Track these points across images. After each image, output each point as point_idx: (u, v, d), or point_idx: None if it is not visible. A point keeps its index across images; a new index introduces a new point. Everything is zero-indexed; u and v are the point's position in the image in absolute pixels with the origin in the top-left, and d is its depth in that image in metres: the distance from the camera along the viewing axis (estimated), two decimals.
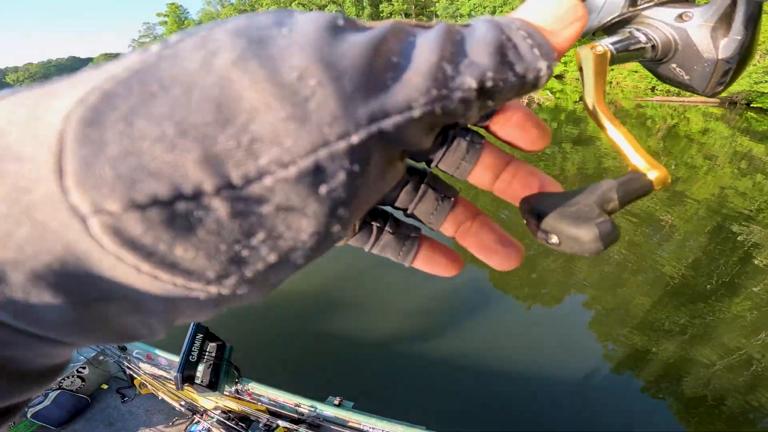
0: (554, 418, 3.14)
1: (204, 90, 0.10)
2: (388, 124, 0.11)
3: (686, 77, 0.26)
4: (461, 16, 27.32)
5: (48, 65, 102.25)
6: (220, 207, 0.10)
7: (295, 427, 2.71)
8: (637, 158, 0.20)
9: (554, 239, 0.17)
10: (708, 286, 4.35)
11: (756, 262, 4.70)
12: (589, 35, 0.27)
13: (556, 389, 3.29)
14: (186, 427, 2.93)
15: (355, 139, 0.10)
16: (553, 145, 9.80)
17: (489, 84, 0.12)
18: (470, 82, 0.12)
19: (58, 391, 2.98)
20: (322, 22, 0.11)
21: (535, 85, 0.14)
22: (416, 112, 0.11)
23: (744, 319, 3.88)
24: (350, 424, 2.68)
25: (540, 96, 14.57)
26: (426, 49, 0.12)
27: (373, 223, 0.19)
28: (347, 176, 0.10)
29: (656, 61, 0.27)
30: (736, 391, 3.20)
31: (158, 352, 3.25)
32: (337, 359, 3.88)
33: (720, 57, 0.25)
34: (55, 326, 0.10)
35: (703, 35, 0.25)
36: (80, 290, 0.10)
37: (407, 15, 49.44)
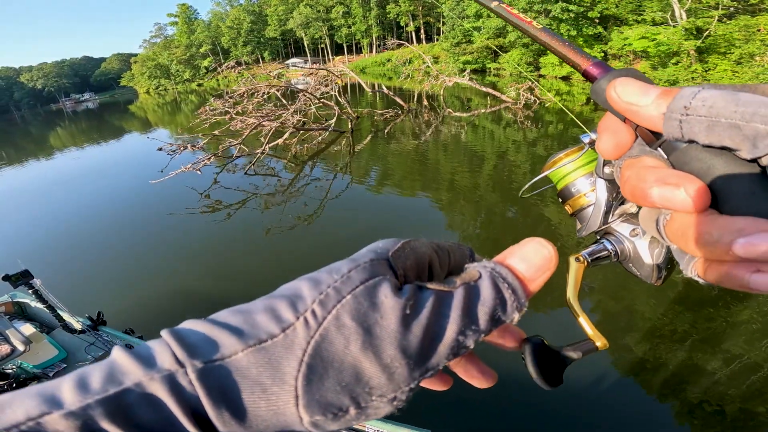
0: (557, 422, 3.13)
1: (349, 365, 0.20)
2: (428, 375, 0.21)
3: (638, 273, 0.38)
4: (467, 17, 27.24)
5: (62, 64, 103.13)
6: (353, 412, 0.20)
7: None
8: (591, 332, 0.32)
9: (534, 378, 0.30)
10: (714, 291, 4.30)
11: None
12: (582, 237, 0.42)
13: (559, 394, 3.27)
14: None
15: (413, 385, 0.21)
16: (560, 148, 9.71)
17: (482, 337, 0.23)
18: (471, 343, 0.22)
19: None
20: (399, 314, 0.21)
21: (509, 322, 0.24)
22: (442, 366, 0.22)
23: (750, 325, 3.83)
24: (354, 425, 2.67)
25: (543, 97, 14.47)
26: (451, 324, 0.22)
27: None
28: (407, 395, 0.21)
29: (619, 262, 0.39)
30: (741, 398, 3.17)
31: None
32: None
33: (654, 262, 0.36)
34: None
35: (644, 247, 0.37)
36: None
37: (414, 16, 49.34)
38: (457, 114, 14.71)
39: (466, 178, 8.64)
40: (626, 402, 3.29)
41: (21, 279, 3.16)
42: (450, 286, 0.23)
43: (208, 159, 9.65)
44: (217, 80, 57.63)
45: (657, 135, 0.23)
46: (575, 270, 0.37)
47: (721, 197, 0.20)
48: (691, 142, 0.21)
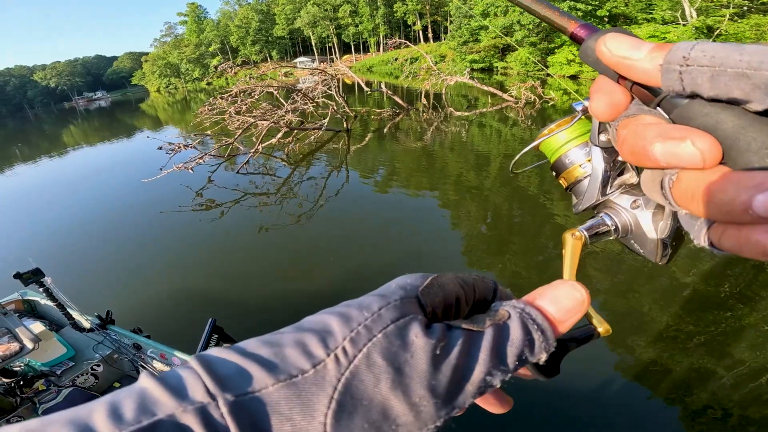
0: (559, 424, 3.12)
1: (378, 403, 0.20)
2: (453, 413, 0.21)
3: (641, 250, 0.35)
4: (473, 16, 27.09)
5: (75, 63, 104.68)
6: None
7: None
8: (592, 316, 0.30)
9: (530, 371, 0.30)
10: (721, 295, 4.25)
11: None
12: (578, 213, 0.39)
13: (561, 395, 3.26)
14: None
15: (439, 423, 0.21)
16: None
17: (507, 377, 0.23)
18: (497, 383, 0.22)
19: (71, 389, 2.97)
20: (429, 354, 0.21)
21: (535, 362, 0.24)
22: (468, 405, 0.22)
23: (755, 329, 3.78)
24: None
25: (546, 95, 14.35)
26: (479, 364, 0.22)
27: None
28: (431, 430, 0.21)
29: (620, 237, 0.36)
30: (746, 402, 3.14)
31: (174, 352, 3.27)
32: None
33: (658, 237, 0.33)
34: None
35: (647, 219, 0.34)
36: None
37: (421, 15, 49.14)
38: (459, 113, 14.66)
39: (468, 176, 8.60)
40: (629, 405, 3.27)
41: (32, 277, 3.21)
42: (480, 326, 0.23)
43: (201, 158, 9.78)
44: (226, 79, 58.05)
45: (655, 93, 0.22)
46: (572, 247, 0.34)
47: (732, 153, 0.19)
48: (693, 97, 0.20)
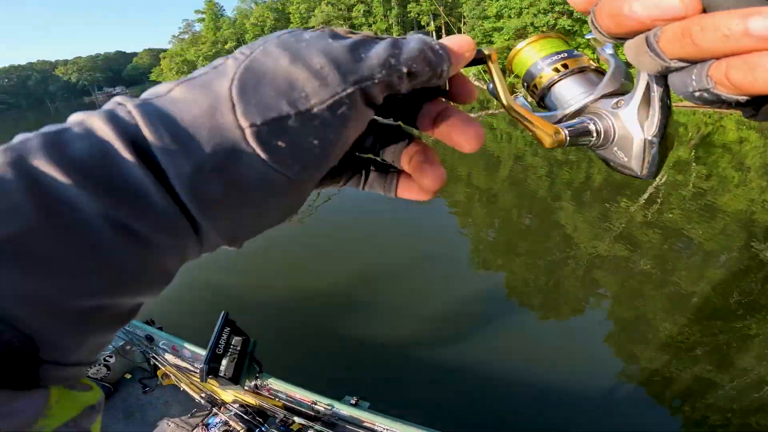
0: (563, 429, 3.13)
1: (282, 76, 0.20)
2: (363, 84, 0.21)
3: (625, 158, 0.32)
4: (488, 18, 26.94)
5: (96, 58, 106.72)
6: (294, 119, 0.20)
7: (310, 424, 2.75)
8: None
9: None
10: (729, 304, 4.20)
11: None
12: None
13: (566, 399, 3.27)
14: (203, 419, 2.99)
15: (349, 89, 0.21)
16: (577, 152, 9.55)
17: (413, 70, 0.22)
18: (403, 68, 0.22)
19: None
20: (328, 33, 0.22)
21: (440, 76, 0.23)
22: (377, 79, 0.21)
23: (759, 339, 3.74)
24: (365, 424, 2.68)
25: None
26: (381, 48, 0.22)
27: (362, 169, 0.29)
28: (348, 108, 0.21)
29: (602, 146, 0.33)
30: (748, 411, 3.12)
31: (185, 344, 3.33)
32: (356, 360, 3.98)
33: (644, 136, 0.30)
34: (214, 202, 0.20)
35: (631, 118, 0.30)
36: (231, 172, 0.20)
37: (435, 15, 48.93)
38: (468, 114, 14.67)
39: (476, 177, 8.58)
40: (632, 410, 3.27)
41: None
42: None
43: None
44: None
45: None
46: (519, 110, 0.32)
47: (712, 6, 0.18)
48: None
